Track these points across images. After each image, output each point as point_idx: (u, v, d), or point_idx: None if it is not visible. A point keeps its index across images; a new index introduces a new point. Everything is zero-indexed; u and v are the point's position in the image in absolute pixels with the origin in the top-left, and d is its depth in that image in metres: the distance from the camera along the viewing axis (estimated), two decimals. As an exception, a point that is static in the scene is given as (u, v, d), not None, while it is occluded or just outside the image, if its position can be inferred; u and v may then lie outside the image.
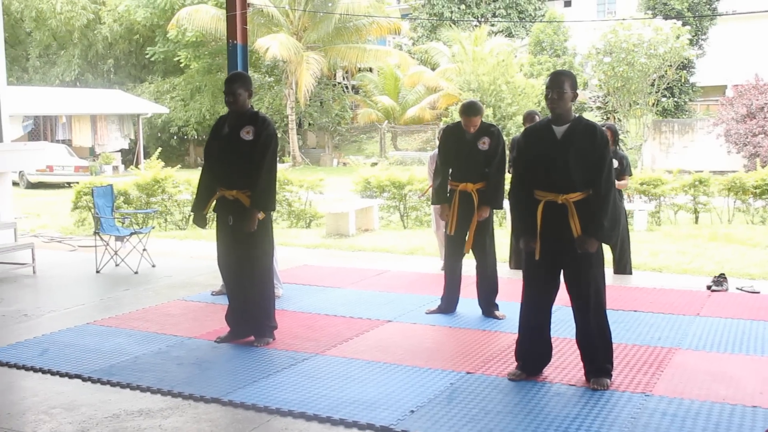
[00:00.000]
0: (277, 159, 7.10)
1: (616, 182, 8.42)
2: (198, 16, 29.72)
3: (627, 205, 14.24)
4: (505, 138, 6.91)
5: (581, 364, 5.13)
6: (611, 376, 5.01)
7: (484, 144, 6.57)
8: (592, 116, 29.34)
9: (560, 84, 4.89)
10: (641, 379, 5.08)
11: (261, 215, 5.78)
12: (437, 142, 7.18)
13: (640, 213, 13.90)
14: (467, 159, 6.63)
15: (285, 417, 4.54)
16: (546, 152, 5.00)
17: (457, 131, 6.75)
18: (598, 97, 29.46)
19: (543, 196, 4.98)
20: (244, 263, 5.90)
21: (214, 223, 6.18)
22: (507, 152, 7.22)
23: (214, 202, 5.96)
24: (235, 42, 9.28)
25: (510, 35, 35.56)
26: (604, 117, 28.77)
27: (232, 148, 5.83)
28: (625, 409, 4.57)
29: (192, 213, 6.26)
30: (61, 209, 16.05)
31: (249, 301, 5.97)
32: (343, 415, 4.50)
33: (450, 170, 6.79)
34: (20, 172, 24.90)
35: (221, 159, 5.91)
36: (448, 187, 6.81)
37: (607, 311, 6.57)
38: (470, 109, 6.63)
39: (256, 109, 5.98)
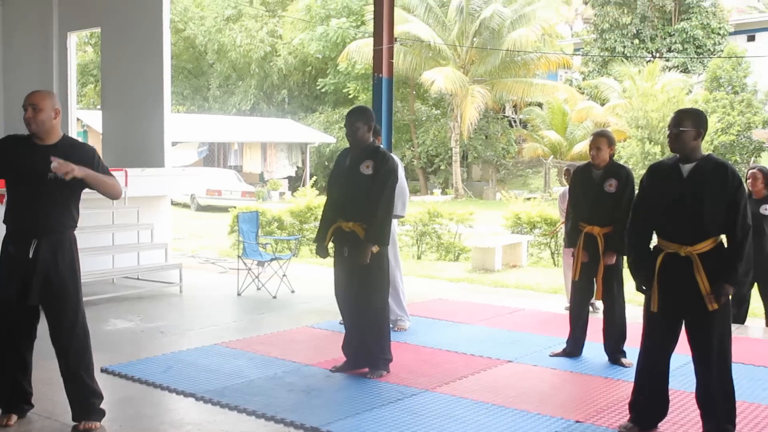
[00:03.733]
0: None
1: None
2: (367, 49, 30.41)
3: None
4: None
5: (700, 421, 4.78)
6: (731, 437, 4.65)
7: (611, 186, 6.33)
8: (772, 157, 27.74)
9: (678, 122, 4.62)
10: (766, 443, 4.69)
11: (375, 249, 5.80)
12: (562, 180, 7.05)
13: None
14: (593, 201, 6.42)
15: (378, 452, 4.50)
16: (671, 191, 4.72)
17: (585, 172, 6.57)
18: (779, 137, 27.83)
19: (665, 246, 4.70)
20: (359, 295, 5.94)
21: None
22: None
23: (333, 233, 6.04)
24: (380, 75, 9.45)
25: (686, 71, 34.31)
26: (785, 158, 27.13)
27: (352, 181, 5.91)
28: (740, 474, 4.22)
29: (315, 243, 6.38)
30: (222, 232, 16.76)
31: (364, 332, 5.99)
32: (435, 455, 4.40)
33: (580, 211, 6.59)
34: (191, 195, 26.28)
35: (341, 191, 6.01)
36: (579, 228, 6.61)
37: (748, 366, 6.22)
38: (596, 132, 6.62)
39: (377, 144, 6.04)
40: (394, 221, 6.97)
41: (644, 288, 4.79)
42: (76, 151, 4.78)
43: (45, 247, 4.66)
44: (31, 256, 4.64)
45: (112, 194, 4.89)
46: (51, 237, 4.70)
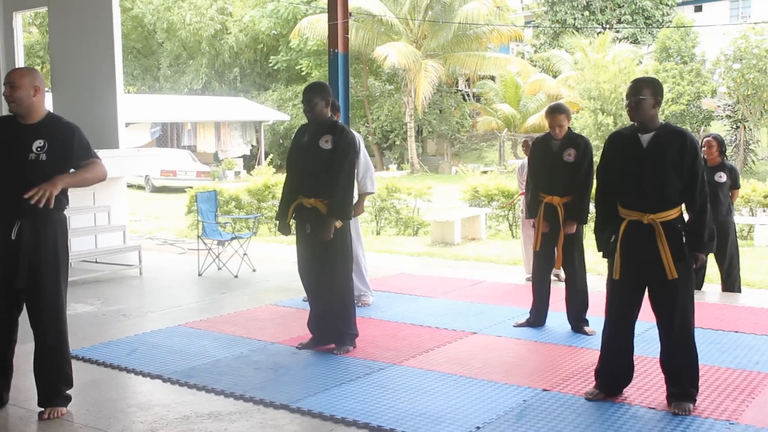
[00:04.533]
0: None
1: (730, 195, 8.08)
2: (319, 25, 30.19)
3: (747, 219, 13.61)
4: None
5: (665, 386, 4.87)
6: (695, 400, 4.73)
7: (569, 156, 6.39)
8: (721, 125, 28.18)
9: (637, 91, 4.67)
10: (728, 405, 4.78)
11: (338, 224, 5.79)
12: (516, 153, 7.08)
13: (761, 227, 13.23)
14: (553, 171, 6.47)
15: (349, 427, 4.51)
16: (632, 161, 4.78)
17: (544, 143, 6.61)
18: (728, 106, 28.25)
19: (627, 214, 4.76)
20: (322, 271, 5.92)
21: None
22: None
23: (294, 210, 6.00)
24: (336, 51, 9.38)
25: (636, 42, 34.61)
26: (733, 126, 27.57)
27: (311, 156, 5.87)
28: (705, 436, 4.31)
29: (277, 222, 6.34)
30: (179, 213, 16.60)
31: (329, 308, 5.98)
32: (406, 428, 4.43)
33: (539, 182, 6.63)
34: (146, 176, 25.95)
35: (300, 167, 5.97)
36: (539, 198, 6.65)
37: (706, 331, 6.35)
38: (554, 109, 6.52)
39: (334, 119, 6.01)
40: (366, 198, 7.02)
41: (608, 257, 4.89)
42: (57, 130, 4.63)
43: (27, 229, 4.53)
44: (13, 237, 4.51)
45: (98, 181, 4.79)
46: (34, 218, 4.54)
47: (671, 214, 4.67)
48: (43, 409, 4.71)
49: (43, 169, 4.50)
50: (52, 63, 12.06)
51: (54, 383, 4.72)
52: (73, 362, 5.69)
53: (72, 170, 4.63)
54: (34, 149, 4.51)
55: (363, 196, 7.30)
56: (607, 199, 4.91)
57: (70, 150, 4.60)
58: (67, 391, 4.78)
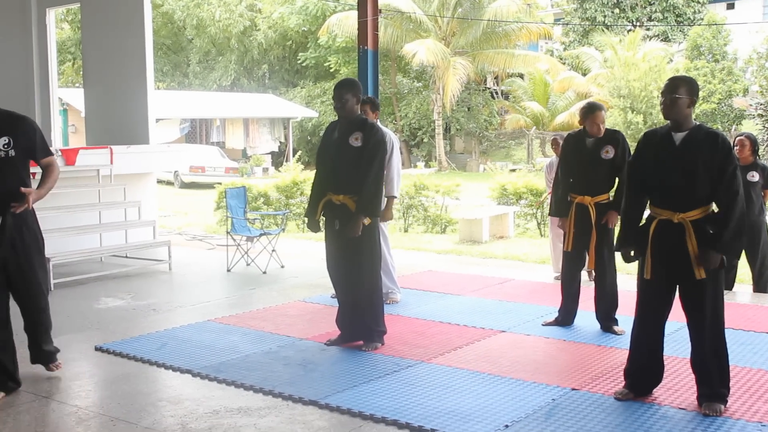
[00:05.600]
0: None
1: (762, 194, 7.98)
2: (348, 22, 30.25)
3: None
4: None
5: (695, 386, 4.84)
6: (726, 401, 4.69)
7: (607, 153, 6.31)
8: (752, 124, 27.86)
9: (674, 89, 4.63)
10: (760, 407, 4.73)
11: (367, 221, 5.80)
12: (544, 151, 7.00)
13: (793, 227, 13.04)
14: (589, 169, 6.39)
15: (378, 423, 4.52)
16: (664, 159, 4.75)
17: (578, 140, 6.50)
18: (760, 104, 27.91)
19: (658, 213, 4.73)
20: (351, 268, 5.94)
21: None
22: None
23: (323, 207, 6.02)
24: (366, 47, 9.40)
25: (666, 39, 34.32)
26: (765, 125, 27.24)
27: (341, 153, 5.88)
28: (736, 437, 4.27)
29: (306, 218, 6.37)
30: (208, 208, 16.71)
31: (357, 305, 5.99)
32: (435, 425, 4.42)
33: (570, 181, 6.57)
34: (175, 172, 26.13)
35: (329, 164, 5.99)
36: (569, 198, 6.59)
37: (738, 332, 6.29)
38: (593, 107, 6.40)
39: (364, 116, 6.02)
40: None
41: (630, 255, 4.86)
42: (18, 125, 4.86)
43: (9, 222, 4.77)
44: None
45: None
46: (15, 213, 4.78)
47: (701, 213, 4.63)
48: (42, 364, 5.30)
49: (15, 165, 4.79)
50: (84, 59, 12.18)
51: (47, 347, 5.28)
52: (104, 356, 5.92)
53: (36, 163, 4.99)
54: (1, 146, 4.72)
55: (390, 201, 7.26)
56: (635, 197, 4.89)
57: (33, 144, 4.88)
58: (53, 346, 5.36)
